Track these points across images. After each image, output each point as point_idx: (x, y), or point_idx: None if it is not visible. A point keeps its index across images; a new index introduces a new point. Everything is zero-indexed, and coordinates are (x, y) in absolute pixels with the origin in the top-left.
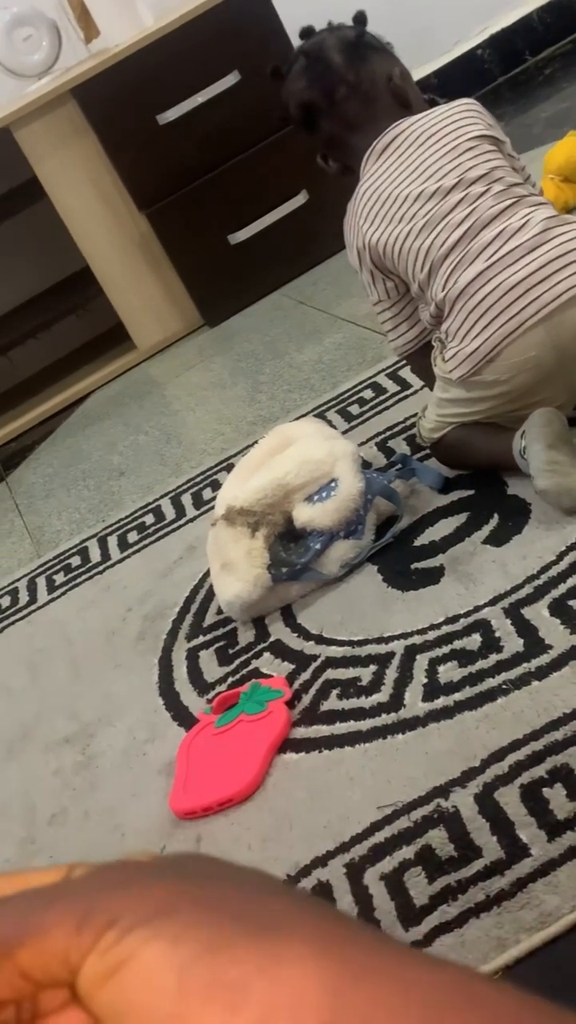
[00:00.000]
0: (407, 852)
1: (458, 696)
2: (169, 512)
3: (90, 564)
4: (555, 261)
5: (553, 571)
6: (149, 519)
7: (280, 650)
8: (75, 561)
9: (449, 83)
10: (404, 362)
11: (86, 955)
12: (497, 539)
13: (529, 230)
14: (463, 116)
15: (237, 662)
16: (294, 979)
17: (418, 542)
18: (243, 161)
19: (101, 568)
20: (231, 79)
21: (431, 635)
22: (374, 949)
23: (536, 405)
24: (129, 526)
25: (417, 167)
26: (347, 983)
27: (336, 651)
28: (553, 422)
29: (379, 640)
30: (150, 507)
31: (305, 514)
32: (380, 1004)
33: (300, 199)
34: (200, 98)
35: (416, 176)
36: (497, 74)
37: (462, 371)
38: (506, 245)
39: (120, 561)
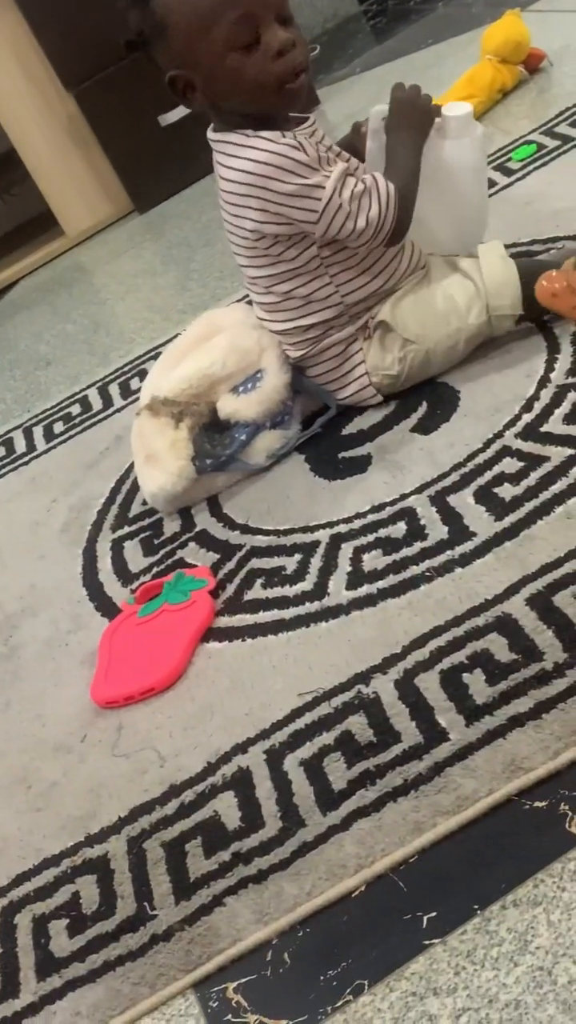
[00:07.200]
0: (327, 738)
1: (382, 584)
2: (96, 402)
3: (15, 455)
4: None
5: (480, 459)
6: (76, 409)
7: (205, 540)
8: None
9: None
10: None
11: None
12: (425, 427)
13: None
14: (241, 201)
15: (162, 552)
16: None
17: (346, 431)
18: None
19: (26, 459)
20: None
21: (356, 524)
22: None
23: None
24: (55, 416)
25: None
26: None
27: (261, 540)
28: None
29: (305, 529)
30: (77, 397)
31: (229, 405)
32: None
33: None
34: None
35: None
36: None
37: None
38: None
39: (46, 452)
